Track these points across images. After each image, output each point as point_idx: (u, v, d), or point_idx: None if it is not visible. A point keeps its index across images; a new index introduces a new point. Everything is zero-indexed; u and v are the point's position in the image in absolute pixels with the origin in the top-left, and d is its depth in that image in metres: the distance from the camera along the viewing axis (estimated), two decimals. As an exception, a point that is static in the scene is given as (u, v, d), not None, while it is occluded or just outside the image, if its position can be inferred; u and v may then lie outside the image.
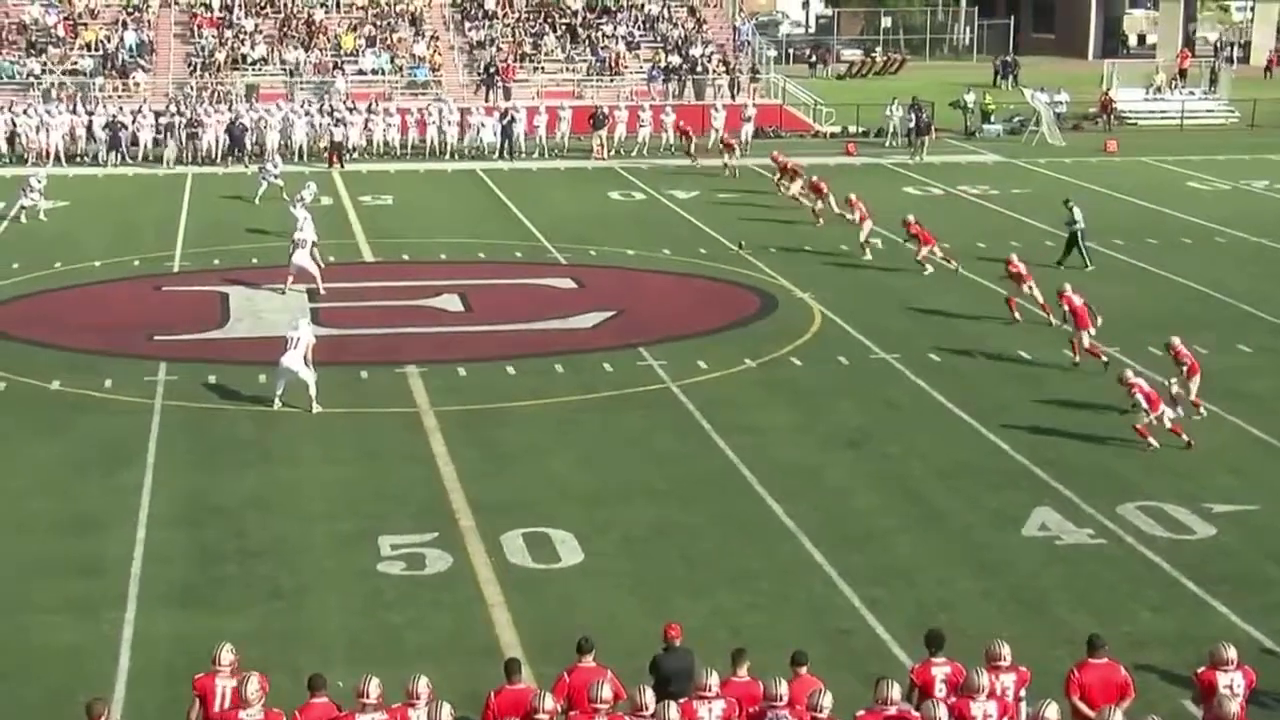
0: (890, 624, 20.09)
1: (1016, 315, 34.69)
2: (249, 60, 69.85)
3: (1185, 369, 28.03)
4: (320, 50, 70.88)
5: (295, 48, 70.78)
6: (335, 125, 60.05)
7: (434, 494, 24.97)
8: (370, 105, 62.78)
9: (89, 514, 24.06)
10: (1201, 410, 28.09)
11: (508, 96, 67.14)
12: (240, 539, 23.14)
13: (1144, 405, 26.76)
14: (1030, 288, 34.96)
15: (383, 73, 69.87)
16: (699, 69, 71.27)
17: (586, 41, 73.20)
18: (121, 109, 61.47)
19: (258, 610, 20.65)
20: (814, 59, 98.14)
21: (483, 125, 61.43)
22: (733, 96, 68.83)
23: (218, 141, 59.29)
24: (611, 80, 70.45)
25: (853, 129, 68.20)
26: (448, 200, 52.35)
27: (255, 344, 33.46)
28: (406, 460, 26.62)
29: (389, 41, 72.03)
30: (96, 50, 69.70)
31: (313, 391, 28.88)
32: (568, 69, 71.55)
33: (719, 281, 39.51)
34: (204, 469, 26.09)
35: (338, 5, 75.96)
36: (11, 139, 59.07)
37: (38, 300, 37.54)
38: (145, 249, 43.02)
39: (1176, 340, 28.51)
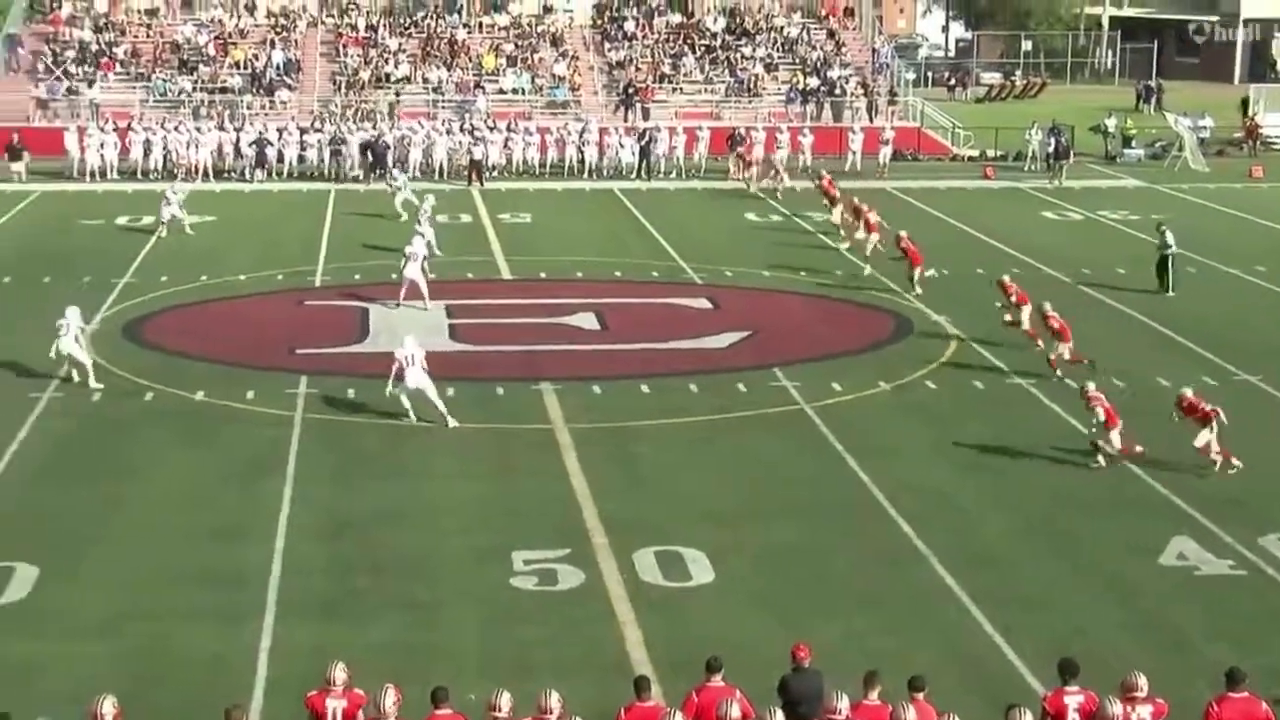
0: (1023, 651, 19.86)
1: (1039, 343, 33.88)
2: (392, 79, 70.53)
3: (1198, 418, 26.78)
4: (462, 69, 71.45)
5: (438, 67, 71.39)
6: (475, 144, 60.56)
7: (567, 510, 25.04)
8: (510, 124, 63.15)
9: (230, 524, 24.35)
10: (1234, 462, 26.78)
11: (646, 117, 67.29)
12: (376, 552, 23.33)
13: (1101, 419, 26.70)
14: (1024, 311, 34.17)
15: (523, 92, 70.28)
16: (837, 91, 71.06)
17: (725, 63, 73.20)
18: (267, 126, 62.33)
19: (392, 622, 20.80)
20: (953, 82, 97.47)
21: (621, 145, 61.59)
22: (870, 119, 68.56)
23: (360, 159, 59.91)
24: (750, 102, 70.43)
25: (991, 153, 67.70)
26: (585, 219, 52.53)
27: (385, 360, 33.71)
28: (540, 476, 26.72)
29: (530, 61, 72.45)
30: (245, 69, 70.69)
31: (441, 405, 29.06)
32: (706, 90, 71.61)
33: (853, 304, 39.34)
34: (342, 481, 26.34)
35: (480, 26, 76.61)
36: (151, 152, 60.03)
37: (184, 313, 38.10)
38: (288, 264, 43.54)
39: (1188, 392, 27.33)
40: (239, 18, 76.52)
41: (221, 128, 62.38)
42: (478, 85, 69.77)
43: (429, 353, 29.57)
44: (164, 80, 69.11)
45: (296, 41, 73.94)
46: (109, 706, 14.93)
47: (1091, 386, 27.55)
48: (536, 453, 27.99)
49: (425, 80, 70.62)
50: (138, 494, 25.75)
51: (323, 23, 76.80)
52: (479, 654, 19.87)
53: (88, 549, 23.31)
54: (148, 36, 73.85)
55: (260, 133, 61.15)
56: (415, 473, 26.91)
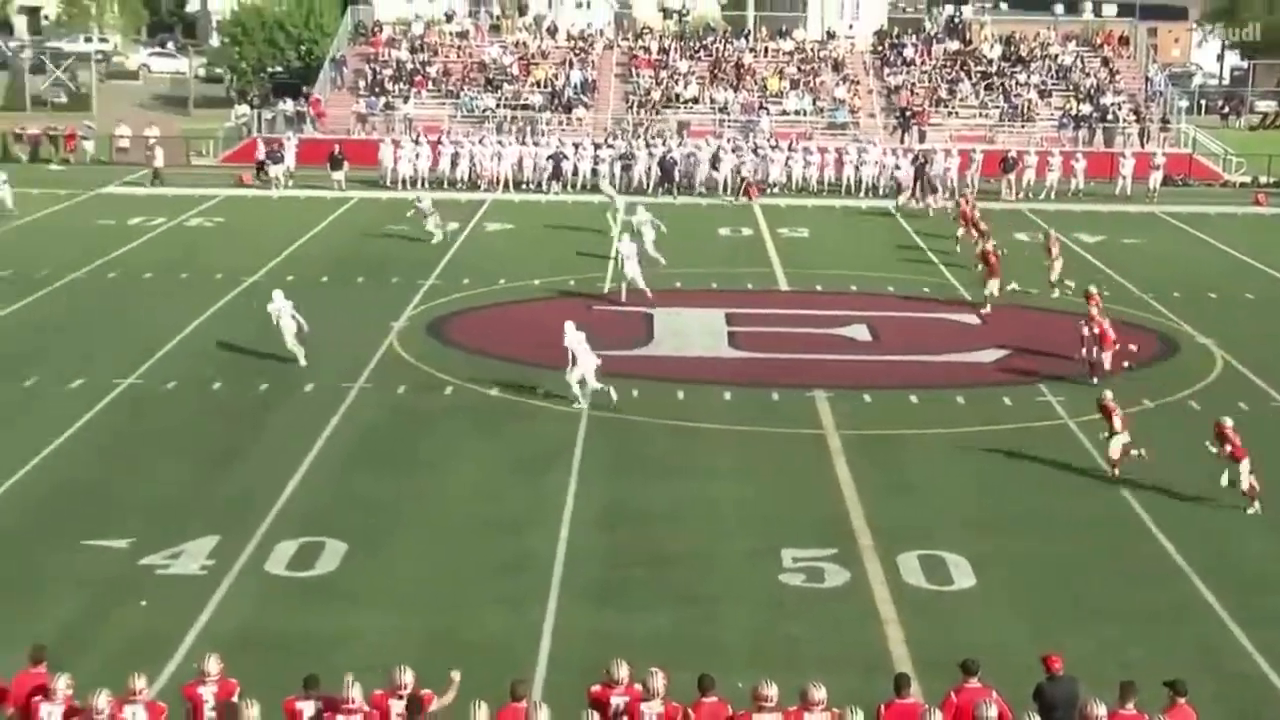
0: (1280, 669, 19.27)
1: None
2: (681, 99, 71.02)
3: (1230, 452, 25.37)
4: (748, 91, 71.64)
5: (725, 88, 71.68)
6: (759, 161, 60.73)
7: (835, 512, 24.94)
8: (791, 143, 63.11)
9: (519, 513, 24.74)
10: (1256, 505, 25.25)
11: (922, 139, 66.72)
12: (653, 544, 23.49)
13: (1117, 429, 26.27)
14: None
15: (805, 113, 70.21)
16: (1109, 117, 69.63)
17: (1000, 89, 72.25)
18: (564, 141, 63.22)
19: (667, 613, 20.92)
20: (1227, 110, 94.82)
21: (897, 166, 61.15)
22: (1142, 145, 67.03)
23: (649, 174, 60.43)
24: (1023, 126, 69.37)
25: (1264, 179, 65.68)
26: (861, 235, 52.26)
27: (676, 362, 33.97)
28: (811, 479, 26.65)
29: (812, 84, 72.37)
30: (545, 87, 71.79)
31: (599, 386, 30.06)
32: (981, 114, 70.74)
33: (1121, 323, 38.46)
34: (623, 477, 26.58)
35: (765, 50, 76.69)
36: (457, 164, 61.30)
37: (483, 314, 38.80)
38: (579, 270, 44.04)
39: (1228, 422, 25.79)
40: (541, 40, 77.76)
41: (522, 142, 63.48)
42: (761, 106, 69.90)
43: (709, 358, 29.70)
44: (471, 97, 70.54)
45: (593, 63, 74.85)
46: (409, 676, 15.29)
47: (1108, 395, 27.16)
48: (808, 457, 27.93)
49: (712, 101, 70.96)
50: (436, 481, 26.31)
51: (618, 45, 77.65)
52: (748, 645, 19.89)
53: (391, 530, 23.89)
54: (458, 57, 75.43)
55: (557, 147, 62.09)
56: (692, 471, 27.03)
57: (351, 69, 74.22)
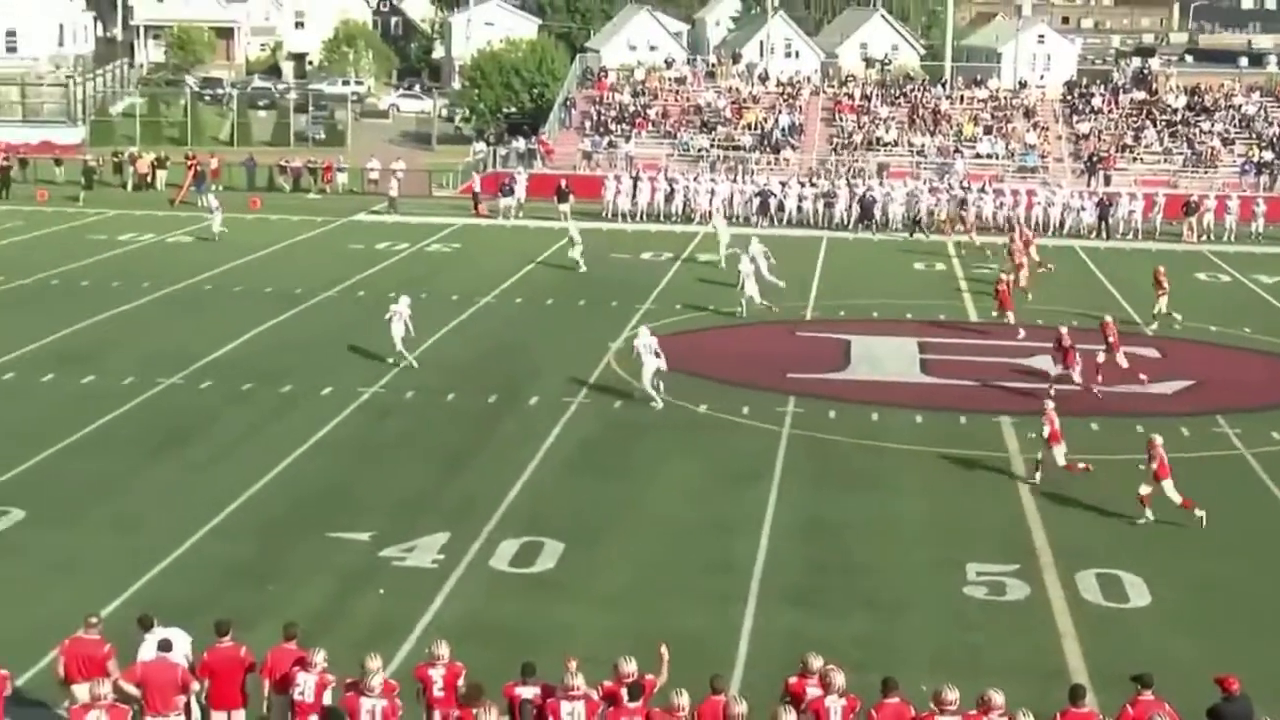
0: None
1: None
2: (881, 142, 70.57)
3: (1154, 466, 24.87)
4: (943, 135, 70.97)
5: (922, 133, 71.09)
6: (949, 201, 60.14)
7: (1018, 530, 24.55)
8: (983, 185, 62.31)
9: (722, 520, 24.75)
10: (1148, 515, 24.79)
11: (1108, 183, 65.50)
12: (846, 554, 23.35)
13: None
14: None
15: (997, 157, 69.32)
16: (1290, 164, 67.72)
17: (1184, 137, 70.63)
18: (770, 180, 63.17)
19: (857, 618, 20.77)
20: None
21: (1083, 208, 60.12)
22: (1321, 191, 65.12)
23: (849, 211, 60.10)
24: (1205, 172, 67.71)
25: None
26: (1047, 272, 51.31)
27: (871, 386, 33.71)
28: (994, 498, 26.27)
29: (1004, 130, 71.45)
30: (755, 129, 71.81)
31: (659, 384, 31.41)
32: (1164, 160, 69.19)
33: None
34: (820, 491, 26.45)
35: (961, 98, 75.91)
36: (672, 199, 61.54)
37: (694, 336, 38.86)
38: (784, 299, 43.93)
39: (1158, 439, 25.28)
40: (752, 86, 77.88)
41: (733, 180, 63.54)
42: (956, 150, 69.19)
43: (902, 383, 29.45)
44: (687, 138, 70.84)
45: (800, 107, 74.71)
46: (633, 665, 15.35)
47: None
48: (992, 477, 27.55)
49: (910, 144, 70.40)
50: (646, 488, 26.43)
51: (824, 92, 77.46)
52: (930, 651, 19.65)
53: (604, 532, 24.05)
54: (675, 101, 75.82)
55: (765, 185, 62.08)
56: (883, 487, 26.82)
57: (578, 110, 74.98)
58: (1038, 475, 26.69)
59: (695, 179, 63.00)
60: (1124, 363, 33.43)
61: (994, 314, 40.34)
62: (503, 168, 68.60)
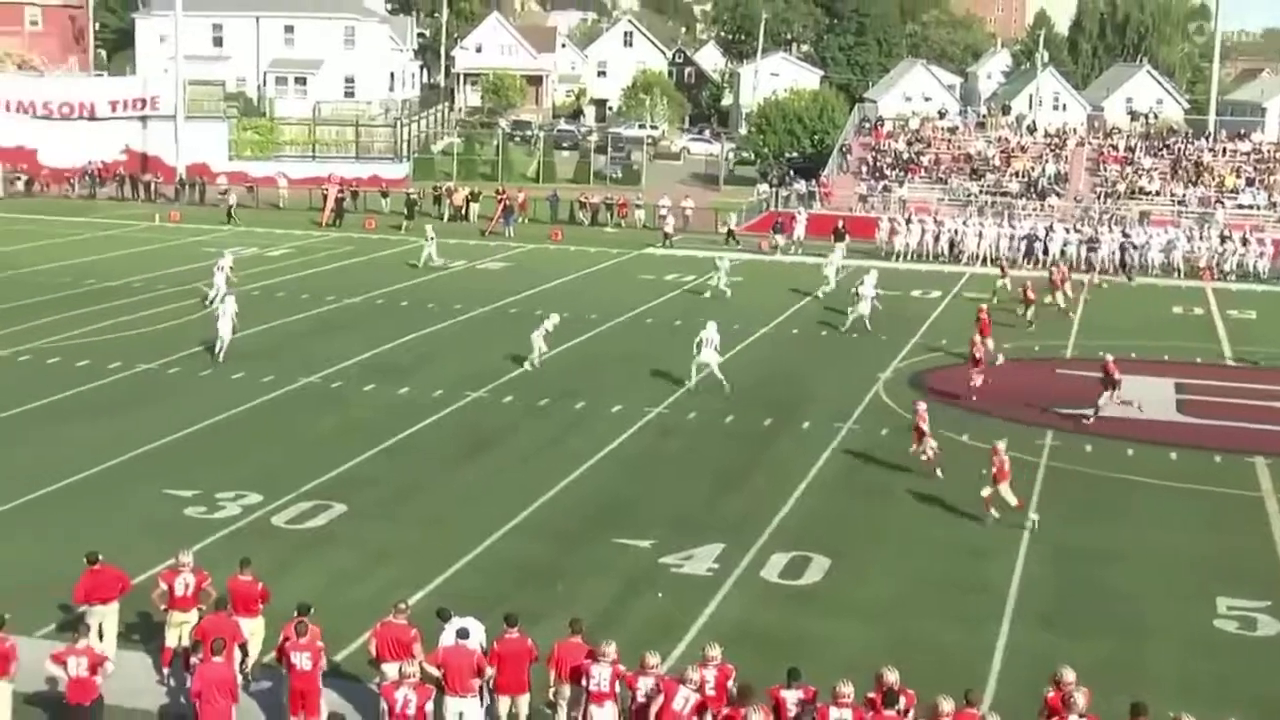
0: None
1: None
2: (1144, 191, 68.56)
3: (994, 471, 25.09)
4: (1204, 186, 68.61)
5: (1185, 184, 68.85)
6: (1211, 249, 58.13)
7: (1270, 567, 23.53)
8: (1244, 235, 60.01)
9: (979, 544, 24.30)
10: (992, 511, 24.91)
11: (1370, 234, 62.55)
12: (1098, 582, 22.69)
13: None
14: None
15: (1258, 208, 66.71)
16: None
17: None
18: (1035, 225, 61.90)
19: (1106, 642, 20.15)
20: None
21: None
22: None
23: (1111, 256, 58.54)
24: None
25: None
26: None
27: (1128, 423, 32.67)
28: (1247, 535, 25.23)
29: (1266, 182, 68.73)
30: (1022, 177, 70.51)
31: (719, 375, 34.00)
32: None
33: None
34: (1074, 520, 25.75)
35: (1224, 151, 73.31)
36: (951, 244, 60.73)
37: (957, 370, 38.22)
38: (1043, 338, 42.98)
39: (1000, 444, 25.50)
40: (1021, 136, 76.53)
41: (999, 223, 62.45)
42: (1217, 200, 66.79)
43: (1158, 421, 28.52)
44: (958, 183, 69.92)
45: (1066, 157, 73.13)
46: (894, 675, 15.17)
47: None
48: (1245, 515, 26.46)
49: (1172, 194, 68.23)
50: (909, 511, 26.11)
51: (1089, 143, 75.62)
52: (1178, 679, 18.97)
53: (867, 549, 23.84)
54: (947, 148, 74.96)
55: (1030, 229, 60.86)
56: (1137, 520, 25.99)
57: (855, 156, 74.68)
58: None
59: (964, 222, 62.11)
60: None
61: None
62: (783, 208, 68.69)
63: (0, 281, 42.47)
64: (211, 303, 42.86)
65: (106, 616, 18.07)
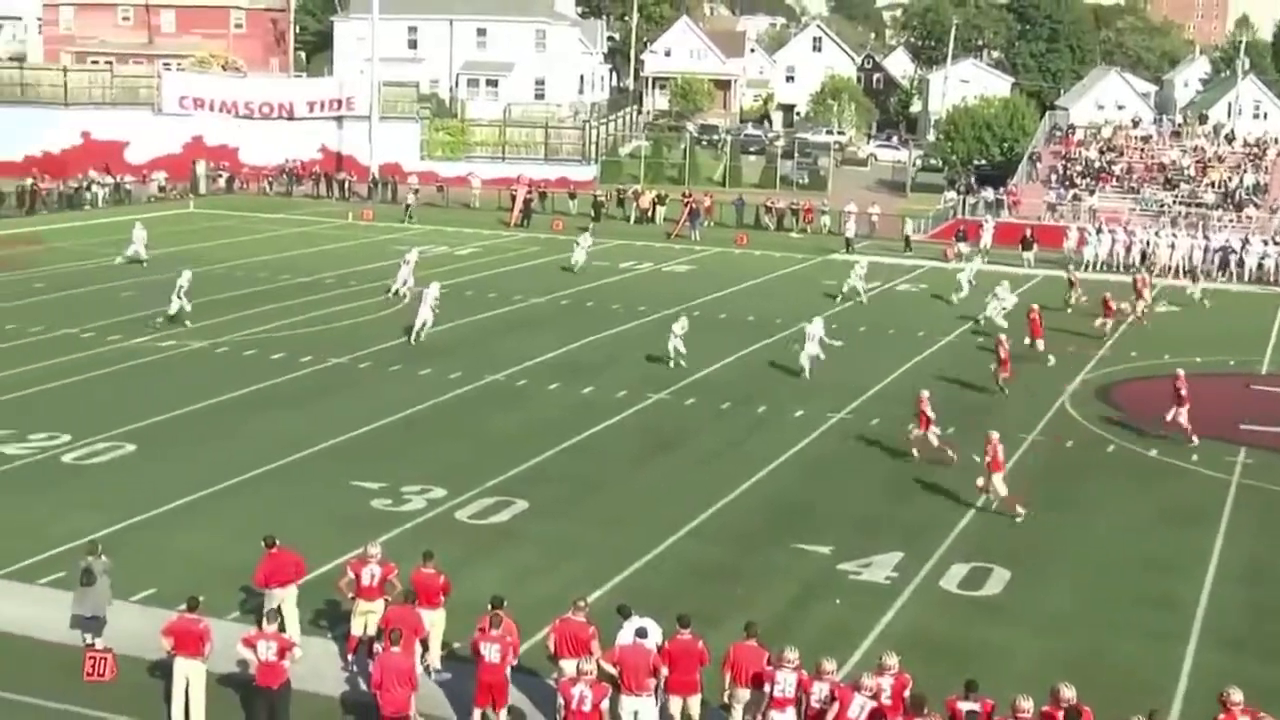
0: None
1: None
2: (1349, 203, 66.27)
3: (989, 462, 25.86)
4: None
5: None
6: None
7: None
8: None
9: (1165, 559, 23.73)
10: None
11: None
12: (1292, 604, 22.00)
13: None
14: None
15: None
16: None
17: None
18: (1230, 237, 60.13)
19: (1299, 667, 19.54)
20: None
21: None
22: None
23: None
24: None
25: None
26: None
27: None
28: None
29: None
30: (1219, 187, 68.58)
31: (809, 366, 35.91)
32: None
33: None
34: (1267, 539, 24.99)
35: None
36: (1143, 255, 59.33)
37: (1147, 384, 37.32)
38: (1238, 352, 41.77)
39: (994, 434, 26.37)
40: (1218, 145, 74.43)
41: (1193, 235, 60.80)
42: None
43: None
44: (1151, 193, 68.26)
45: (1265, 167, 70.91)
46: (1071, 692, 14.82)
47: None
48: None
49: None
50: (1092, 523, 25.57)
51: (1292, 152, 73.26)
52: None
53: (1049, 562, 23.40)
54: (1140, 158, 73.21)
55: (1225, 241, 59.15)
56: (1334, 542, 25.12)
57: (1045, 164, 73.36)
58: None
59: (1156, 233, 60.59)
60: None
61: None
62: (970, 215, 67.76)
63: (201, 276, 43.84)
64: (397, 294, 44.64)
65: (286, 599, 18.56)
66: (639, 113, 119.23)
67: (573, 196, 73.11)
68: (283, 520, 22.63)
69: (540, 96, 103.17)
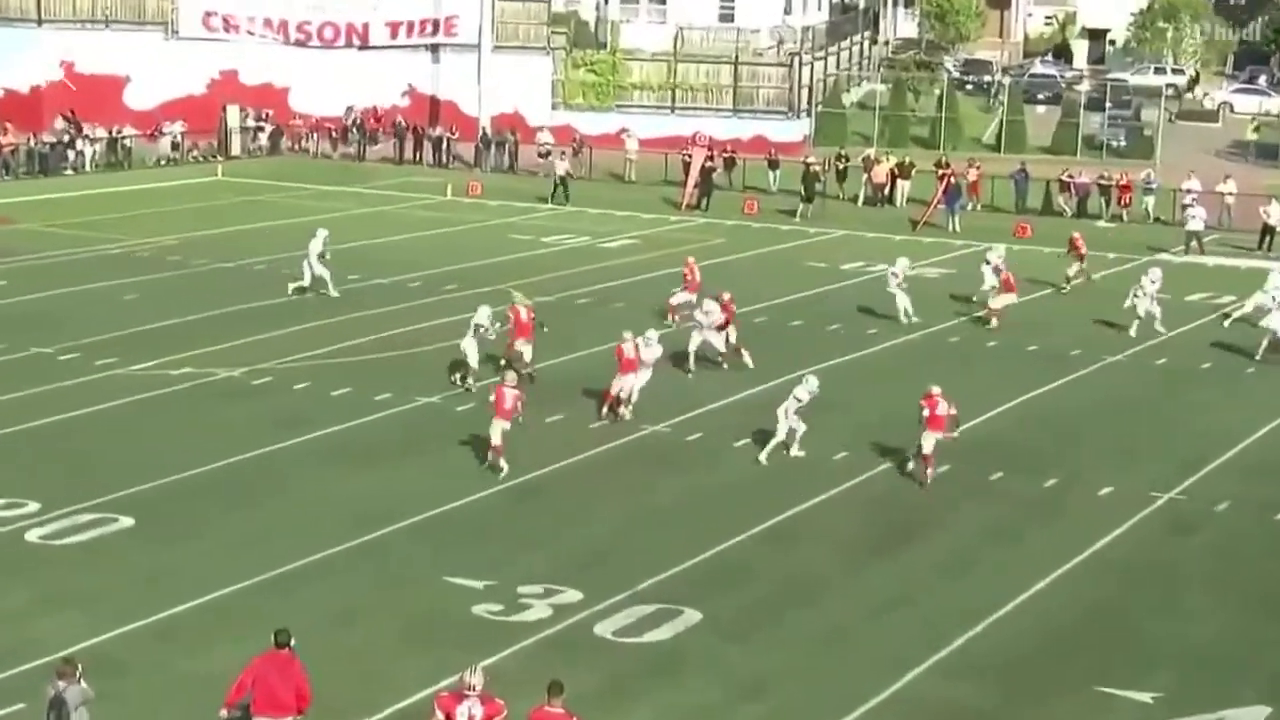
0: None
1: None
2: None
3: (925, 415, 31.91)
4: None
5: None
6: None
7: None
8: None
9: None
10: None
11: None
12: None
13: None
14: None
15: None
16: None
17: None
18: None
19: None
20: None
21: None
22: None
23: None
24: None
25: None
26: None
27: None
28: None
29: None
30: None
31: None
32: None
33: None
34: None
35: None
36: None
37: None
38: None
39: (935, 389, 32.09)
40: None
41: None
42: None
43: None
44: None
45: None
46: None
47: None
48: None
49: None
50: None
51: None
52: None
53: None
54: None
55: None
56: None
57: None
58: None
59: None
60: None
61: None
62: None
63: (228, 274, 44.15)
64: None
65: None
66: (874, 43, 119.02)
67: (774, 166, 73.18)
68: (338, 630, 22.91)
69: (728, 18, 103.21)
